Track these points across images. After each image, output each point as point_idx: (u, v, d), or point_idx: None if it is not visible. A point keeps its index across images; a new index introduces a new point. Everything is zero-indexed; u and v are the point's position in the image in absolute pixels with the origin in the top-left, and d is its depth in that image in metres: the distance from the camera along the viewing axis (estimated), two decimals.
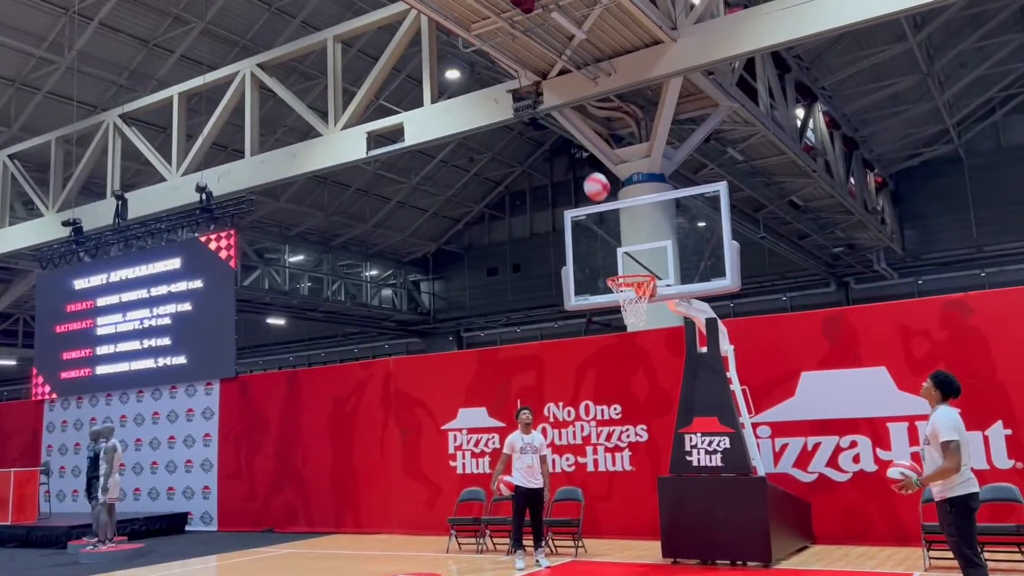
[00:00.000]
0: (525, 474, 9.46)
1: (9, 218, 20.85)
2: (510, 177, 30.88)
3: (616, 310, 9.57)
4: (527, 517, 9.51)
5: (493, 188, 31.15)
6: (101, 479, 12.15)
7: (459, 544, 11.04)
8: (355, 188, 27.20)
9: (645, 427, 11.30)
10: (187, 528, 15.29)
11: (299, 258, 30.15)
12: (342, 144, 15.89)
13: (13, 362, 35.12)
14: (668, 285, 9.16)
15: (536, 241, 30.39)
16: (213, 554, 12.06)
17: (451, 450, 12.94)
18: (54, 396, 18.29)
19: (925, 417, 6.22)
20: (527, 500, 9.46)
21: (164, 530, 14.68)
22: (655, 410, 11.15)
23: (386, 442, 13.68)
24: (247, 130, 16.98)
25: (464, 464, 12.76)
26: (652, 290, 8.99)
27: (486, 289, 31.76)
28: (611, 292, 9.38)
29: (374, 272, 32.70)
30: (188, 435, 15.91)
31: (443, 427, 13.09)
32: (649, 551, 9.65)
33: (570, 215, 9.98)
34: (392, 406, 13.75)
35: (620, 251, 9.47)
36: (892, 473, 5.96)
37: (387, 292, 32.98)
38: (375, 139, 15.52)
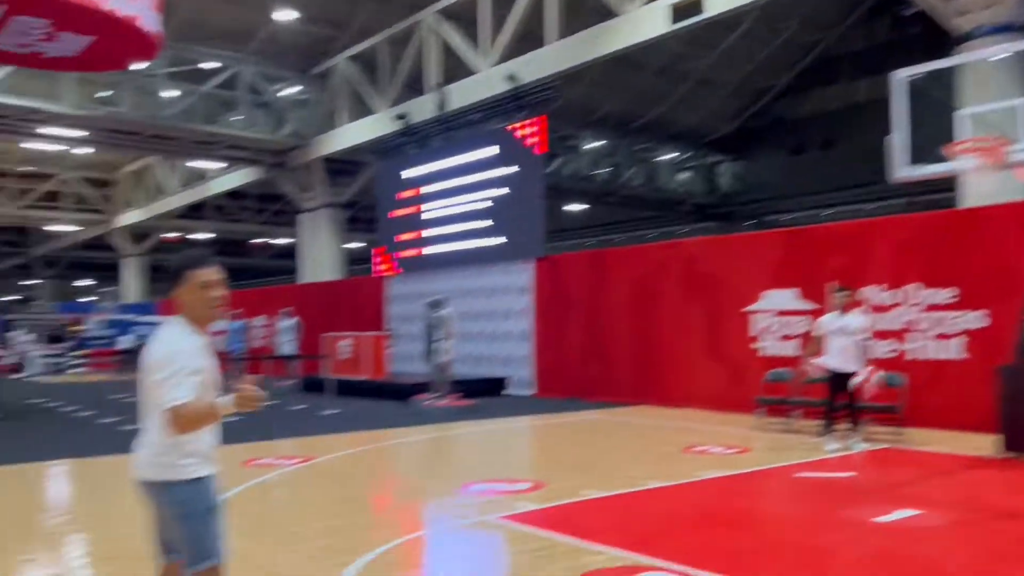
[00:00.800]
0: (839, 357, 9.13)
1: (351, 115, 23.51)
2: (820, 44, 28.28)
3: (944, 188, 8.71)
4: (840, 400, 9.24)
5: (801, 57, 28.77)
6: (437, 343, 13.83)
7: (766, 423, 11.07)
8: (653, 68, 26.67)
9: (982, 312, 10.24)
10: (506, 391, 16.95)
11: (598, 143, 30.62)
12: (642, 21, 15.66)
13: (362, 244, 40.40)
14: (1022, 150, 8.06)
15: (850, 114, 27.75)
16: (529, 415, 13.30)
17: (755, 332, 12.81)
18: (394, 272, 20.87)
19: None
20: (840, 383, 9.17)
21: (487, 392, 16.38)
22: (997, 294, 10.04)
23: (689, 321, 13.87)
24: (549, 15, 17.33)
25: (770, 347, 12.60)
26: (1001, 156, 7.97)
27: (791, 169, 29.95)
28: (947, 161, 8.47)
29: (672, 155, 32.29)
30: (507, 308, 17.38)
31: (747, 309, 12.95)
32: (979, 444, 8.95)
33: (903, 75, 9.05)
34: (694, 286, 13.84)
35: (962, 113, 8.45)
36: None
37: (685, 175, 32.49)
38: (676, 12, 15.06)
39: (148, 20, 9.25)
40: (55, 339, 29.61)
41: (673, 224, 34.86)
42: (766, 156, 31.06)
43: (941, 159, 8.54)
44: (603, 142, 30.39)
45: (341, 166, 25.94)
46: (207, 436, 2.97)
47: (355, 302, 21.98)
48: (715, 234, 32.29)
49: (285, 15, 21.29)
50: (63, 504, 6.65)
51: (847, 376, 9.10)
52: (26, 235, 45.99)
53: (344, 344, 17.79)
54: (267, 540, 5.34)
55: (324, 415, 13.34)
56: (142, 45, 9.77)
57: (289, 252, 46.00)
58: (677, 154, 32.26)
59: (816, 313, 11.17)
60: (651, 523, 5.74)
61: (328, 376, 15.20)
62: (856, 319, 9.34)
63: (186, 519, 2.87)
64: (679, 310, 14.02)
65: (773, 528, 5.61)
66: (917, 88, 9.17)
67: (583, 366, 15.66)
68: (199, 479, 2.91)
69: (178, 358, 2.86)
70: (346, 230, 27.92)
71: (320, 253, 25.84)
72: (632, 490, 6.93)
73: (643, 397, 14.46)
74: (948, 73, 10.82)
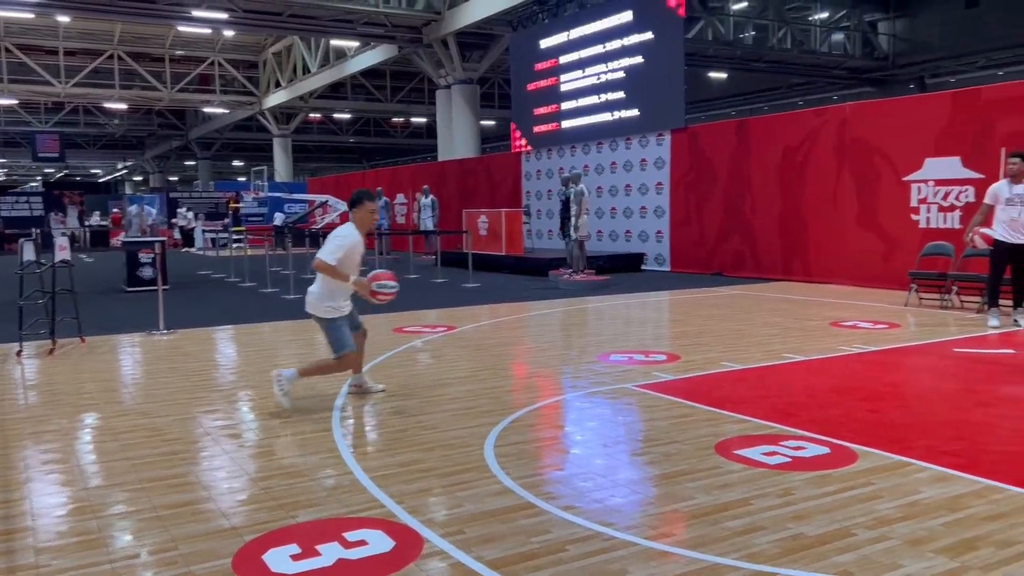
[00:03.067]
0: (1008, 227, 8.46)
1: None
2: None
3: None
4: (1007, 275, 8.62)
5: None
6: (573, 219, 13.82)
7: (919, 299, 10.53)
8: None
9: None
10: (643, 267, 16.85)
11: (743, 5, 28.62)
12: None
13: (492, 123, 40.35)
14: None
15: None
16: (666, 290, 13.22)
17: (914, 203, 12.01)
18: (529, 148, 20.77)
19: None
20: (1009, 255, 8.53)
21: (623, 267, 16.37)
22: None
23: (839, 192, 13.16)
24: None
25: (929, 218, 11.80)
26: None
27: (961, 25, 26.98)
28: None
29: (824, 15, 29.79)
30: (642, 183, 17.05)
31: (905, 178, 12.11)
32: None
33: None
34: (847, 155, 13.02)
35: None
36: None
37: (838, 37, 30.01)
38: None
39: None
40: (214, 216, 31.73)
41: (824, 91, 32.60)
42: (933, 11, 28.08)
43: None
44: (745, 3, 28.38)
45: (474, 40, 25.64)
46: (342, 296, 5.49)
47: (492, 179, 22.17)
48: (872, 99, 30.02)
49: None
50: (233, 364, 7.31)
51: (1016, 248, 8.45)
52: (184, 118, 48.77)
53: (482, 220, 18.10)
54: (416, 400, 5.69)
55: (464, 288, 13.78)
56: None
57: (427, 130, 46.75)
58: (830, 13, 29.73)
59: (982, 184, 10.32)
60: (792, 395, 5.67)
61: (468, 251, 15.59)
62: None
63: (328, 332, 5.51)
64: (830, 181, 13.29)
65: (923, 403, 5.42)
66: None
67: (724, 240, 15.28)
68: (335, 318, 5.48)
69: (343, 241, 5.36)
70: (481, 107, 27.86)
71: (457, 130, 26.00)
72: (773, 363, 6.84)
73: (787, 273, 14.03)
74: None
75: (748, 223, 14.80)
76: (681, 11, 15.94)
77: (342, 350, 5.41)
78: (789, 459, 4.22)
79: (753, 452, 4.34)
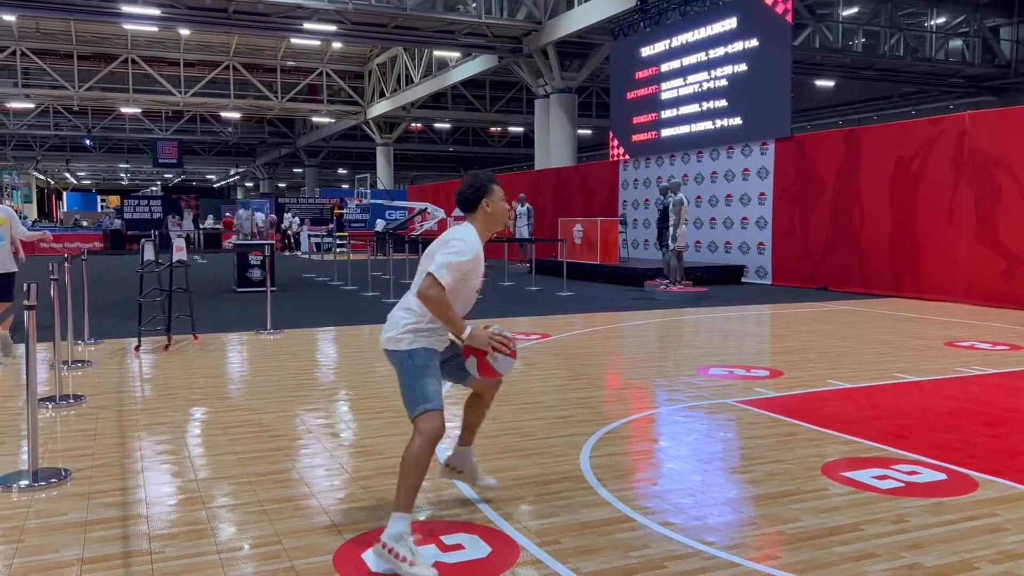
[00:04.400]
0: None
1: None
2: None
3: None
4: None
5: None
6: (671, 229, 13.61)
7: None
8: None
9: None
10: (743, 280, 16.43)
11: (853, 11, 27.60)
12: None
13: (589, 132, 40.26)
14: None
15: None
16: (768, 303, 12.83)
17: None
18: (627, 157, 20.60)
19: None
20: None
21: (722, 279, 15.99)
22: None
23: (956, 206, 12.50)
24: None
25: None
26: None
27: None
28: None
29: (941, 20, 28.40)
30: (744, 193, 16.64)
31: None
32: None
33: None
34: (966, 167, 12.36)
35: None
36: None
37: (956, 43, 28.54)
38: None
39: None
40: (320, 221, 32.80)
41: (938, 100, 31.09)
42: None
43: None
44: (856, 9, 27.37)
45: (573, 49, 25.65)
46: (436, 327, 3.31)
47: (588, 187, 22.10)
48: (992, 108, 28.43)
49: None
50: (334, 364, 7.50)
51: None
52: (292, 127, 50.69)
53: (577, 229, 18.05)
54: (511, 407, 5.69)
55: (559, 296, 13.76)
56: None
57: (524, 139, 47.06)
58: (948, 18, 28.33)
59: None
60: (904, 417, 5.39)
61: (563, 259, 15.57)
62: None
63: (404, 375, 3.28)
64: (945, 194, 12.65)
65: None
66: None
67: (830, 254, 14.75)
68: (415, 350, 3.27)
69: (463, 248, 3.25)
70: (577, 116, 27.83)
71: (554, 139, 26.05)
72: (883, 383, 6.53)
73: (897, 289, 13.43)
74: None
75: (856, 237, 14.23)
76: (789, 17, 15.52)
77: (424, 405, 3.17)
78: (902, 484, 4.00)
79: (863, 475, 4.14)
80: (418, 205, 28.09)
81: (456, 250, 3.23)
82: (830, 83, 31.16)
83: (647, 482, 4.09)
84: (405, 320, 3.29)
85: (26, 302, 4.11)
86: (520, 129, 45.09)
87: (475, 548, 3.22)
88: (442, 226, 22.63)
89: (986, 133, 12.18)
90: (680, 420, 5.36)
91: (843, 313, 11.42)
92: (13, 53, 33.75)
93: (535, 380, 6.68)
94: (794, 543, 3.27)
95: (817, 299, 13.23)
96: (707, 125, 17.63)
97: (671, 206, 13.64)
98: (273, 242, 16.69)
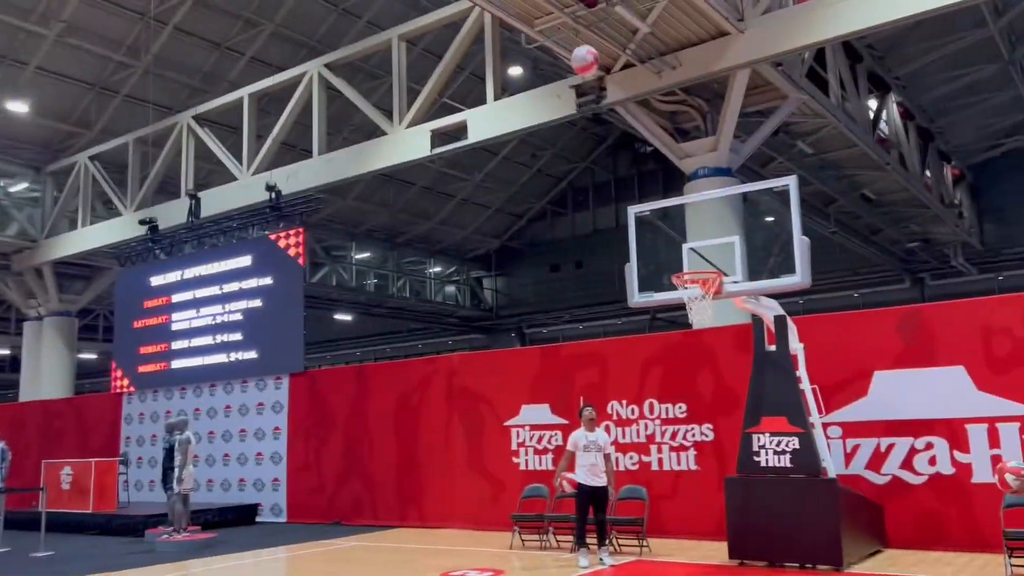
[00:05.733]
0: (588, 472, 9.40)
1: (90, 217, 21.66)
2: (573, 173, 30.75)
3: (681, 307, 9.41)
4: (590, 515, 9.45)
5: (556, 184, 31.08)
6: (176, 470, 12.54)
7: (522, 540, 11.04)
8: (420, 186, 27.44)
9: (711, 426, 11.11)
10: (257, 519, 15.67)
11: (365, 255, 30.59)
12: (407, 142, 16.06)
13: (94, 356, 36.59)
14: (735, 282, 8.97)
15: (599, 237, 30.18)
16: (282, 545, 12.32)
17: (514, 446, 12.95)
18: (132, 389, 18.96)
19: (1008, 419, 5.98)
20: (590, 498, 9.41)
21: (235, 521, 15.06)
22: (721, 409, 10.95)
23: (450, 437, 13.77)
24: (315, 130, 17.30)
25: (527, 460, 12.76)
26: (719, 287, 8.83)
27: (549, 285, 31.70)
28: (676, 289, 9.24)
29: (438, 269, 32.99)
30: (258, 428, 16.30)
31: (506, 423, 13.11)
32: (715, 552, 9.49)
33: (633, 211, 9.86)
34: (456, 402, 13.84)
35: (686, 247, 9.31)
36: (1010, 479, 5.75)
37: (451, 288, 33.25)
38: (439, 137, 15.63)
39: None
40: None
41: (440, 336, 35.28)
42: (525, 272, 32.70)
43: (672, 287, 9.28)
44: (367, 254, 30.47)
45: (76, 270, 23.68)
46: None
47: (85, 423, 19.64)
48: (481, 344, 33.17)
49: (16, 107, 19.57)
50: None
51: (597, 490, 9.36)
52: None
53: (66, 472, 15.68)
54: None
55: (32, 559, 11.49)
56: None
57: (11, 363, 40.75)
58: (443, 268, 33.05)
59: (567, 428, 11.53)
60: None
61: (43, 510, 13.19)
62: (603, 434, 9.75)
63: None
64: (441, 426, 13.89)
65: None
66: (653, 219, 10.03)
67: (343, 487, 14.93)
68: None
69: None
70: (78, 340, 25.26)
71: (46, 366, 23.04)
72: None
73: (405, 519, 13.99)
74: (678, 208, 12.04)
75: (367, 469, 14.72)
76: (301, 260, 16.41)
77: None
78: None
79: None
80: None
81: None
82: (349, 317, 33.45)
83: None
84: None
85: None
86: (6, 351, 39.13)
87: None
88: None
89: (470, 371, 13.91)
90: None
91: (352, 551, 11.43)
92: None
93: None
94: None
95: (330, 535, 13.10)
96: (221, 358, 17.24)
97: (177, 445, 12.67)
98: None
